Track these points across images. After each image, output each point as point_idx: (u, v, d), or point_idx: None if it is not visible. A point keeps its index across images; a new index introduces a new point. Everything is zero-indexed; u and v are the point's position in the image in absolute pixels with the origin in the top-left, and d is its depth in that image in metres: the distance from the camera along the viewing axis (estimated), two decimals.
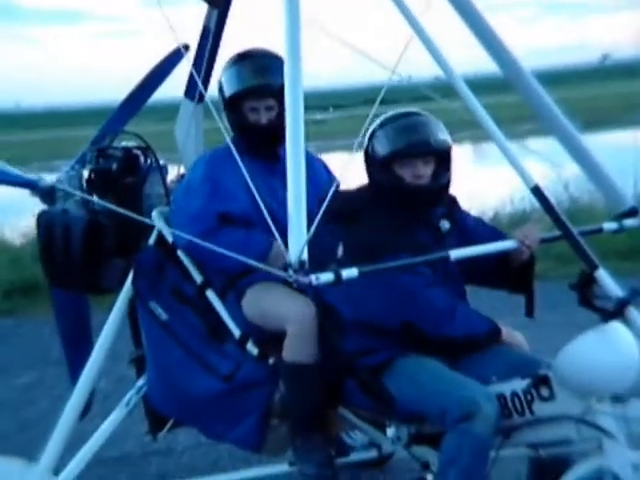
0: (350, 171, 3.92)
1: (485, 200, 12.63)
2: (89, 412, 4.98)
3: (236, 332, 4.21)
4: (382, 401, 3.82)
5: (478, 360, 3.91)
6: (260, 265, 3.41)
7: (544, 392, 3.61)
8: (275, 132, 4.27)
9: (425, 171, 3.94)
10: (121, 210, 3.97)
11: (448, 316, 3.86)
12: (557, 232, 3.79)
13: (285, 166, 4.30)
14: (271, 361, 4.14)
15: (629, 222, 4.21)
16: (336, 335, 3.95)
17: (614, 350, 3.47)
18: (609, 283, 3.57)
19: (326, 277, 3.25)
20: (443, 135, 3.99)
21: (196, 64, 4.74)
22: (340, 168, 4.34)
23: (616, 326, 3.48)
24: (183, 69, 4.93)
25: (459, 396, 3.60)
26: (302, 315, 4.00)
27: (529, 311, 4.06)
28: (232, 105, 4.40)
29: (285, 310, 4.07)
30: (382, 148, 3.98)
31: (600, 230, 4.15)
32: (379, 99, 3.47)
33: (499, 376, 3.76)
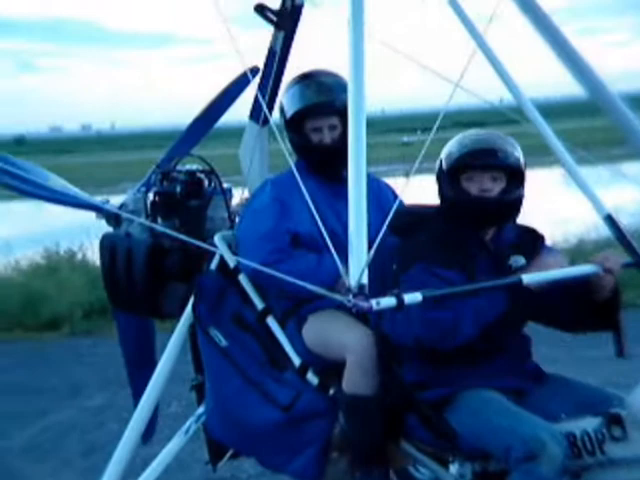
0: (408, 194, 3.80)
1: (570, 226, 12.34)
2: (153, 436, 4.93)
3: (296, 361, 4.10)
4: (444, 437, 3.69)
5: (546, 396, 3.75)
6: (321, 290, 3.24)
7: (616, 432, 3.42)
8: (339, 152, 4.16)
9: (492, 186, 3.81)
10: (181, 236, 3.89)
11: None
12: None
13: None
14: (332, 392, 4.02)
15: None
16: (396, 367, 3.82)
17: None
18: None
19: (387, 302, 3.02)
20: (515, 152, 3.85)
21: (261, 86, 4.67)
22: (401, 191, 4.22)
23: None
24: (249, 92, 4.87)
25: (524, 434, 3.41)
26: (362, 345, 3.88)
27: (619, 350, 3.76)
28: (294, 126, 4.28)
29: (345, 339, 3.95)
30: (449, 158, 3.89)
31: None
32: (438, 122, 3.32)
33: (568, 413, 3.57)
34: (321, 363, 4.09)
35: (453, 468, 3.81)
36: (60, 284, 11.06)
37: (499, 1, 3.61)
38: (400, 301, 3.04)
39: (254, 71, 4.82)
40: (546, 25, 3.96)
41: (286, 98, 4.35)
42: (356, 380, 3.86)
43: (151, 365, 4.79)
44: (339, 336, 3.99)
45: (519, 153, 3.87)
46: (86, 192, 5.17)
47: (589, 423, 3.48)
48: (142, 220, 4.52)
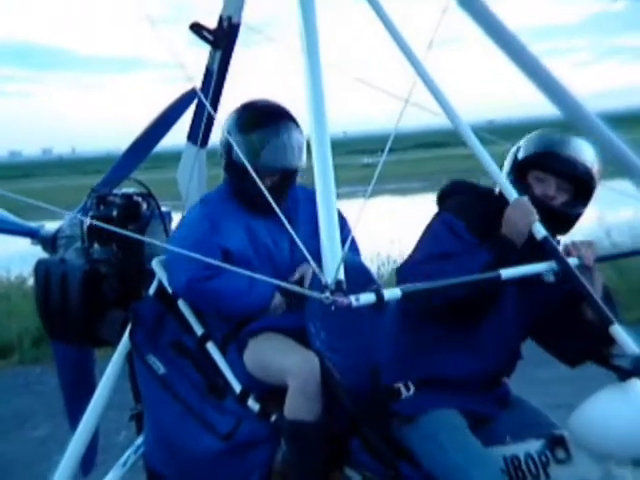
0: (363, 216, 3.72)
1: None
2: (92, 466, 4.79)
3: (237, 387, 4.00)
4: (386, 463, 3.61)
5: (508, 420, 3.71)
6: (294, 287, 3.13)
7: (560, 454, 3.38)
8: (276, 194, 3.93)
9: (556, 195, 3.68)
10: (137, 235, 3.77)
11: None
12: (618, 251, 3.54)
13: (285, 207, 4.08)
14: (273, 418, 3.91)
15: None
16: (340, 390, 3.72)
17: (633, 410, 3.20)
18: (625, 339, 3.28)
19: (367, 298, 2.97)
20: (594, 169, 3.69)
21: (199, 107, 4.57)
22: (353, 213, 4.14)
23: (634, 384, 3.21)
24: (186, 113, 4.76)
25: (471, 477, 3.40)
26: (304, 369, 3.78)
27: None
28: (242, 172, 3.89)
29: (287, 363, 3.85)
30: (528, 149, 3.77)
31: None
32: (389, 143, 3.29)
33: (513, 436, 3.52)
34: (262, 389, 3.99)
35: None
36: (10, 311, 10.86)
37: (438, 25, 3.53)
38: (380, 297, 3.00)
39: (194, 94, 4.75)
40: (514, 47, 3.93)
41: (238, 141, 4.04)
42: (298, 405, 3.76)
43: (91, 394, 4.67)
44: (280, 360, 3.90)
45: (598, 172, 3.72)
46: (44, 216, 5.02)
47: (532, 446, 3.44)
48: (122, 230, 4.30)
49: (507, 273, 3.37)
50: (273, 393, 3.92)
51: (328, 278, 2.91)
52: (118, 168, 5.00)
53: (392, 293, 3.06)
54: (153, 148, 5.12)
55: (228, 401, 4.03)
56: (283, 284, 3.40)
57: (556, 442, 3.38)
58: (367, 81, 3.93)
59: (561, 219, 3.71)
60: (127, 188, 4.68)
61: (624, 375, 3.24)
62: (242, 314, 4.01)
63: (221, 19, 4.52)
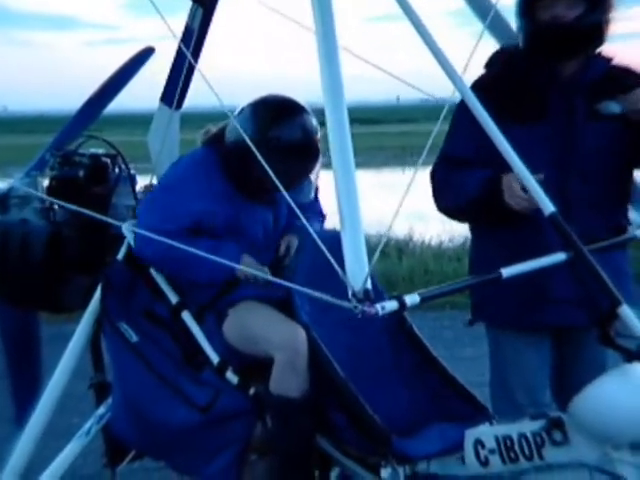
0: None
1: None
2: None
3: (214, 359, 3.87)
4: (377, 439, 3.55)
5: None
6: (327, 298, 3.05)
7: (556, 436, 3.37)
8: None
9: (567, 13, 3.57)
10: (89, 212, 3.60)
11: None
12: None
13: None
14: (252, 391, 3.82)
15: None
16: (329, 363, 3.66)
17: (636, 393, 3.26)
18: (633, 320, 3.36)
19: (391, 305, 3.05)
20: None
21: (175, 68, 4.41)
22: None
23: (638, 368, 3.28)
24: (162, 72, 4.59)
25: None
26: (292, 342, 3.70)
27: None
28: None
29: (273, 335, 3.76)
30: None
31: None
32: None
33: None
34: (241, 360, 3.88)
35: (385, 473, 3.69)
36: None
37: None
38: (402, 304, 3.08)
39: (150, 51, 4.65)
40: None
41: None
42: (286, 380, 3.68)
43: (34, 360, 4.48)
44: (265, 332, 3.80)
45: None
46: None
47: (528, 426, 3.45)
48: (46, 197, 4.11)
49: (509, 272, 3.40)
50: (252, 365, 3.83)
51: (356, 286, 2.90)
52: (71, 127, 4.82)
53: (412, 299, 3.14)
54: (106, 106, 5.00)
55: (205, 373, 3.90)
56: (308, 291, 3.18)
57: (554, 424, 3.39)
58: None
59: (582, 33, 3.63)
60: (94, 148, 4.49)
61: (629, 357, 3.31)
62: (209, 279, 3.84)
63: None
